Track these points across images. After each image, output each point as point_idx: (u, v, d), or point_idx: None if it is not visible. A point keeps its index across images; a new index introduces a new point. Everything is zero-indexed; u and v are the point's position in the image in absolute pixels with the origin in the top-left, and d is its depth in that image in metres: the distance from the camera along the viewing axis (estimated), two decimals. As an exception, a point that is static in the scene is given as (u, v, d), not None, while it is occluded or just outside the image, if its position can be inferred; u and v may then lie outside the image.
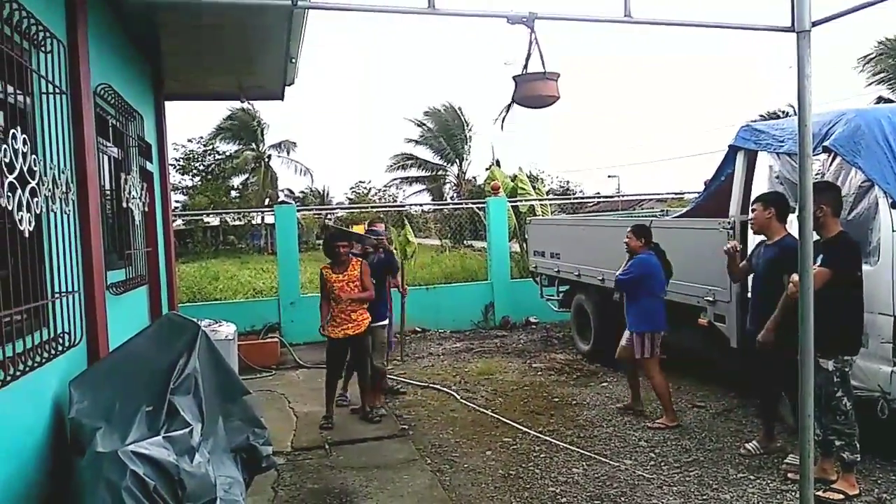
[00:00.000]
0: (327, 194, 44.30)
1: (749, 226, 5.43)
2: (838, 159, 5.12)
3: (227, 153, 39.00)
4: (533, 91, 2.75)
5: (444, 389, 6.96)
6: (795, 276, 4.08)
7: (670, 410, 6.02)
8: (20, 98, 3.38)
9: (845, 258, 4.39)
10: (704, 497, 4.52)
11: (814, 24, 2.75)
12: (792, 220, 4.87)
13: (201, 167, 39.15)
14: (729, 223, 5.95)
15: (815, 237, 3.74)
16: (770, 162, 5.80)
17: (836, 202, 4.53)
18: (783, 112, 31.29)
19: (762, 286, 5.02)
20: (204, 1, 2.16)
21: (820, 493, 4.30)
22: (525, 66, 2.67)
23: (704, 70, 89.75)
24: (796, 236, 4.86)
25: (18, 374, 3.03)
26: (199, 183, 38.78)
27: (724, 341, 5.99)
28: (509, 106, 2.85)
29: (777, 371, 4.88)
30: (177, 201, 34.81)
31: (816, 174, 5.19)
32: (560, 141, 75.62)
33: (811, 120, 2.86)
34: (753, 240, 5.60)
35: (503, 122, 2.91)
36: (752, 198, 5.47)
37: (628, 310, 6.20)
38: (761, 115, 33.19)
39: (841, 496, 4.37)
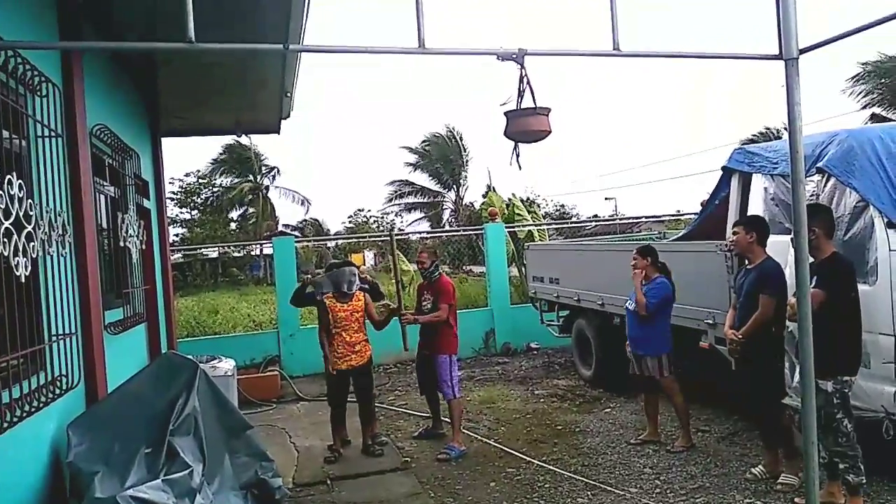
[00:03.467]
0: (323, 224, 44.36)
1: (728, 248, 5.56)
2: (833, 180, 5.14)
3: (225, 185, 39.14)
4: (524, 126, 2.77)
5: (446, 420, 6.88)
6: (793, 299, 4.08)
7: (688, 431, 6.03)
8: (16, 142, 3.40)
9: (839, 279, 4.39)
10: (712, 524, 4.47)
11: (801, 52, 2.77)
12: (787, 243, 4.89)
13: (199, 200, 39.25)
14: (726, 245, 5.95)
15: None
16: (765, 184, 5.83)
17: (828, 224, 4.55)
18: (777, 130, 31.53)
19: (746, 309, 5.04)
20: (197, 48, 2.18)
21: None
22: (519, 102, 2.70)
23: (699, 89, 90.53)
24: (776, 260, 4.98)
25: (16, 420, 3.02)
26: (198, 216, 38.88)
27: (725, 364, 5.95)
28: (517, 144, 2.88)
29: (767, 386, 4.96)
30: (176, 234, 34.86)
31: (811, 195, 5.21)
32: (554, 163, 75.99)
33: (802, 144, 2.87)
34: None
35: (518, 160, 2.93)
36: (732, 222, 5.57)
37: (644, 333, 6.08)
38: (759, 133, 33.45)
39: None
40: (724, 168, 6.46)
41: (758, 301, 4.91)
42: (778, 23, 2.74)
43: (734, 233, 5.25)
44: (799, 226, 2.80)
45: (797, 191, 2.82)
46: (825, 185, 5.27)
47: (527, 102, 2.71)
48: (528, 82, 2.62)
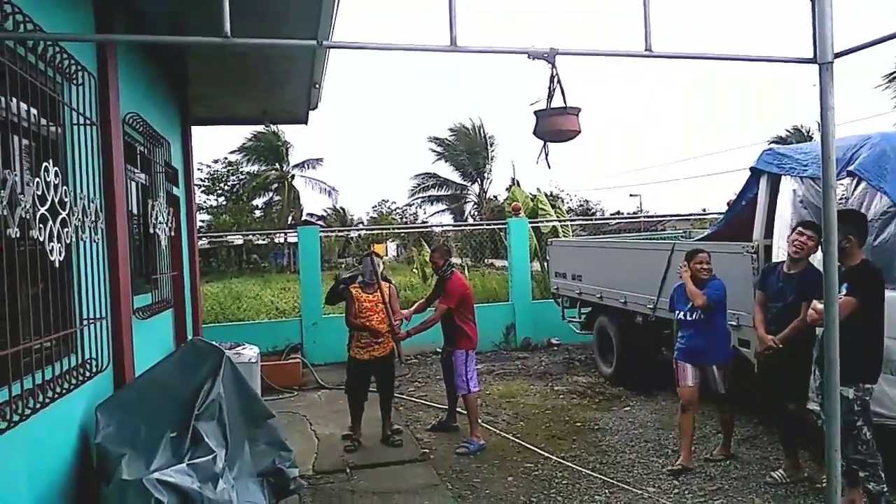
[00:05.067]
0: (348, 214, 44.55)
1: (794, 245, 4.98)
2: (863, 184, 5.07)
3: (252, 173, 39.45)
4: (554, 126, 2.78)
5: (462, 412, 6.90)
6: (819, 305, 4.04)
7: (730, 442, 5.81)
8: (52, 129, 3.47)
9: (870, 286, 4.34)
10: (730, 527, 4.45)
11: (836, 56, 2.74)
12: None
13: (226, 187, 39.61)
14: (753, 247, 5.91)
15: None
16: (793, 186, 5.76)
17: (862, 231, 4.49)
18: (808, 130, 31.04)
19: (788, 313, 4.91)
20: (232, 42, 2.21)
21: None
22: (548, 102, 2.70)
23: (728, 87, 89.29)
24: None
25: (48, 401, 3.09)
26: (224, 203, 39.24)
27: (748, 366, 5.91)
28: (545, 143, 2.88)
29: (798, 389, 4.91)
30: (202, 220, 35.23)
31: (840, 199, 5.14)
32: (580, 159, 75.54)
33: (834, 148, 2.84)
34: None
35: (546, 159, 2.93)
36: (794, 223, 5.29)
37: (707, 342, 5.54)
38: (787, 131, 32.93)
39: None
40: (752, 169, 6.40)
41: (800, 308, 4.78)
42: (813, 26, 2.70)
43: (802, 234, 4.91)
44: (829, 231, 2.77)
45: (828, 196, 2.79)
46: (855, 189, 5.20)
47: (557, 101, 2.71)
48: (559, 81, 2.62)
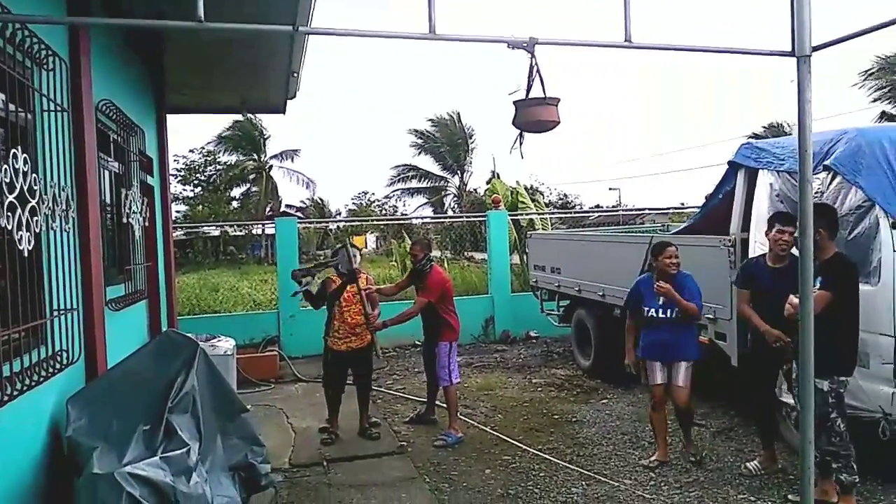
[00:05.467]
0: (326, 206, 44.30)
1: (779, 245, 4.92)
2: (838, 178, 5.11)
3: (228, 163, 39.06)
4: (533, 116, 2.76)
5: (443, 405, 6.90)
6: (794, 299, 4.07)
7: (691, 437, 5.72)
8: (21, 116, 3.39)
9: (844, 280, 4.38)
10: (705, 518, 4.49)
11: (814, 49, 2.75)
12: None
13: (202, 178, 39.19)
14: (730, 240, 5.94)
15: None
16: (770, 180, 5.80)
17: (832, 224, 4.52)
18: (783, 126, 31.37)
19: (782, 308, 4.67)
20: (206, 27, 2.16)
21: None
22: (527, 92, 2.68)
23: (706, 81, 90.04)
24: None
25: (16, 393, 3.03)
26: (200, 193, 38.83)
27: (724, 359, 5.96)
28: (521, 133, 2.86)
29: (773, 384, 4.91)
30: (177, 211, 34.84)
31: (816, 193, 5.18)
32: (559, 152, 75.83)
33: (811, 142, 2.86)
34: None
35: (521, 149, 2.90)
36: (770, 217, 5.22)
37: (678, 338, 5.43)
38: (765, 127, 33.27)
39: None
40: (730, 162, 6.43)
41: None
42: (792, 19, 2.71)
43: (783, 232, 4.85)
44: (805, 225, 2.79)
45: (805, 189, 2.80)
46: (830, 184, 5.25)
47: (536, 92, 2.69)
48: (539, 71, 2.60)
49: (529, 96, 2.69)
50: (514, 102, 2.79)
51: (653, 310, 5.48)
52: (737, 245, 5.89)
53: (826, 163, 5.11)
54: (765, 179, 5.84)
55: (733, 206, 6.20)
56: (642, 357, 5.62)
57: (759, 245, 5.57)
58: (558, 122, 2.79)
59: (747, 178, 6.12)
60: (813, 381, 2.89)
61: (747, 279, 5.19)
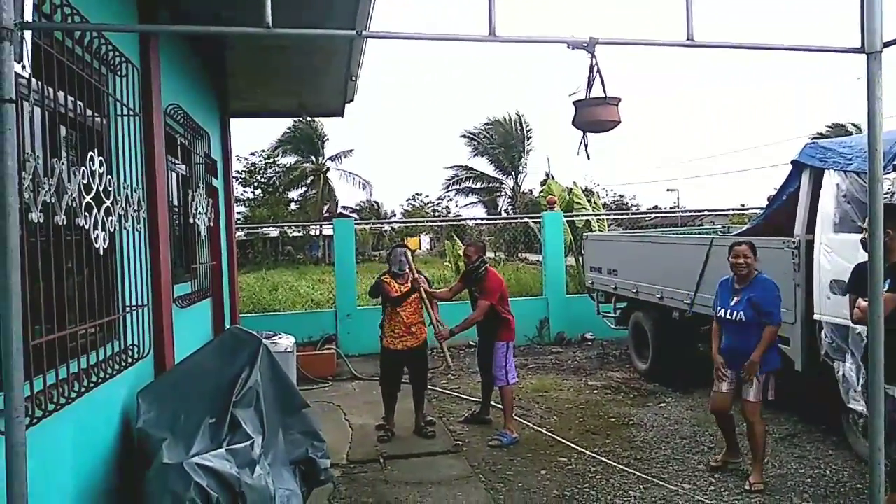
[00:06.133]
0: (381, 207, 44.73)
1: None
2: (910, 178, 4.93)
3: (287, 165, 39.83)
4: (593, 116, 2.75)
5: (498, 406, 6.92)
6: (863, 303, 3.94)
7: (761, 464, 5.14)
8: (97, 120, 3.55)
9: None
10: (767, 526, 4.39)
11: (885, 45, 2.67)
12: (857, 242, 4.66)
13: (262, 180, 40.06)
14: (794, 242, 5.79)
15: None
16: (837, 180, 5.63)
17: None
18: (851, 125, 30.26)
19: None
20: (274, 33, 2.23)
21: None
22: (588, 92, 2.68)
23: (766, 82, 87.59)
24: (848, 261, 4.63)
25: (92, 385, 3.17)
26: (260, 195, 39.71)
27: (788, 364, 5.80)
28: (584, 134, 2.85)
29: None
30: (238, 213, 35.66)
31: (887, 194, 5.01)
32: (616, 153, 74.84)
33: (881, 140, 2.77)
34: (820, 260, 5.46)
35: (587, 149, 2.90)
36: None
37: (746, 342, 5.02)
38: (827, 128, 32.19)
39: None
40: (794, 162, 6.26)
41: None
42: (861, 15, 2.64)
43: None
44: (875, 226, 2.71)
45: (874, 189, 2.72)
46: (903, 184, 5.07)
47: (597, 92, 2.68)
48: (599, 71, 2.60)
49: (590, 96, 2.69)
50: (574, 103, 2.79)
51: (722, 309, 5.17)
52: (801, 247, 5.74)
53: (897, 162, 4.94)
54: (831, 180, 5.67)
55: (798, 207, 6.03)
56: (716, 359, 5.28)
57: (824, 248, 5.41)
58: (619, 122, 2.78)
59: (812, 179, 5.95)
60: (882, 387, 2.80)
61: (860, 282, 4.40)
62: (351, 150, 40.40)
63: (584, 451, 5.91)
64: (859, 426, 5.13)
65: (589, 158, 2.88)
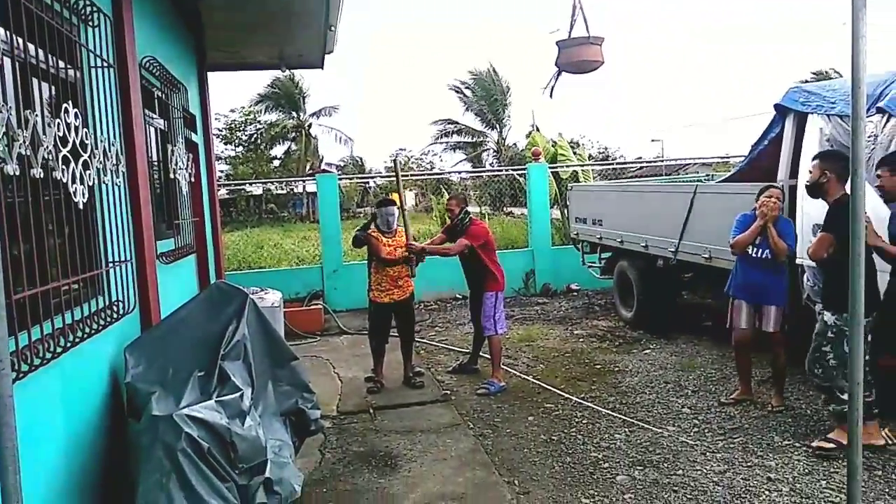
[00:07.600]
0: (364, 163, 44.39)
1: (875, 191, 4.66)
2: (893, 120, 4.95)
3: (269, 122, 39.31)
4: (577, 56, 2.73)
5: (486, 356, 7.00)
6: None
7: (783, 390, 5.60)
8: (70, 72, 3.46)
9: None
10: (749, 464, 4.50)
11: (870, -20, 2.65)
12: None
13: (244, 137, 39.56)
14: (777, 187, 5.81)
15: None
16: (820, 124, 5.64)
17: (839, 167, 4.39)
18: (833, 71, 30.15)
19: None
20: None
21: (815, 443, 4.63)
22: (570, 31, 2.64)
23: (749, 30, 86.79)
24: None
25: (78, 339, 3.16)
26: (242, 153, 39.26)
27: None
28: (558, 73, 2.82)
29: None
30: (220, 171, 35.29)
31: (869, 136, 5.03)
32: (600, 105, 74.36)
33: (865, 78, 2.76)
34: (803, 205, 5.49)
35: (552, 89, 2.87)
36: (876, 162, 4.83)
37: (769, 281, 5.38)
38: (812, 74, 32.07)
39: (832, 445, 4.54)
40: (777, 106, 6.24)
41: None
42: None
43: (878, 175, 4.65)
44: (857, 164, 2.72)
45: (857, 128, 2.73)
46: (884, 126, 5.08)
47: (579, 31, 2.64)
48: (582, 10, 2.56)
49: (572, 36, 2.65)
50: (557, 42, 2.75)
51: (749, 248, 5.41)
52: (785, 192, 5.76)
53: (880, 104, 4.95)
54: (814, 124, 5.68)
55: (781, 152, 6.05)
56: (733, 296, 5.60)
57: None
58: (602, 63, 2.75)
59: (796, 123, 5.96)
60: (862, 325, 2.85)
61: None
62: (336, 107, 39.92)
63: (570, 397, 6.01)
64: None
65: (551, 97, 2.85)
